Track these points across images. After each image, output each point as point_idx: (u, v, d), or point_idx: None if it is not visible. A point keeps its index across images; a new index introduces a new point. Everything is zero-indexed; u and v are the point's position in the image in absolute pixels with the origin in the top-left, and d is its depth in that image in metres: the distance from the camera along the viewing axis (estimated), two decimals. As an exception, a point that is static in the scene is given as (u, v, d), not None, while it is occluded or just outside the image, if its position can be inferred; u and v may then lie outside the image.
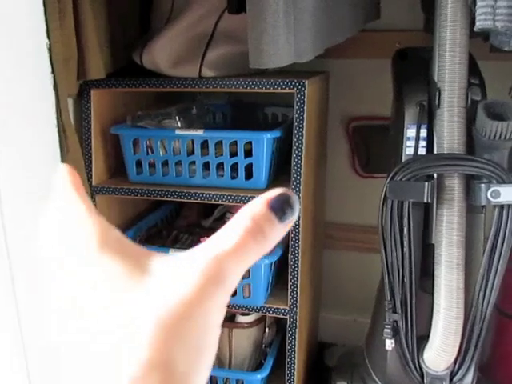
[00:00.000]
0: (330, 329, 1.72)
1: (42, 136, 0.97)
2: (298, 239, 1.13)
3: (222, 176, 1.16)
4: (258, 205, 0.27)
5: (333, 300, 1.73)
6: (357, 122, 1.57)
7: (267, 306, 1.20)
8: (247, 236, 0.26)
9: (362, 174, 1.60)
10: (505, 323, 1.34)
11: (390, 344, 1.04)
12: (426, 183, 0.92)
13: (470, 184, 0.95)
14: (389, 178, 0.96)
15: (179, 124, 1.19)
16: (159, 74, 1.17)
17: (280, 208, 0.27)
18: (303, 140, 1.07)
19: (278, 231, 0.27)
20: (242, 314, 1.27)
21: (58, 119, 1.02)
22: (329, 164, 1.59)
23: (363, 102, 1.54)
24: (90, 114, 1.18)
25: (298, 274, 1.15)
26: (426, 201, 0.93)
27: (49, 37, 0.99)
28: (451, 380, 1.05)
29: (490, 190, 0.90)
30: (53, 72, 1.00)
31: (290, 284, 1.17)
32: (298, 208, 0.28)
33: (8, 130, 0.85)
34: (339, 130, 1.59)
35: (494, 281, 0.98)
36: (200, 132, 1.14)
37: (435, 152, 0.98)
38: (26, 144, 0.91)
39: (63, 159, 1.00)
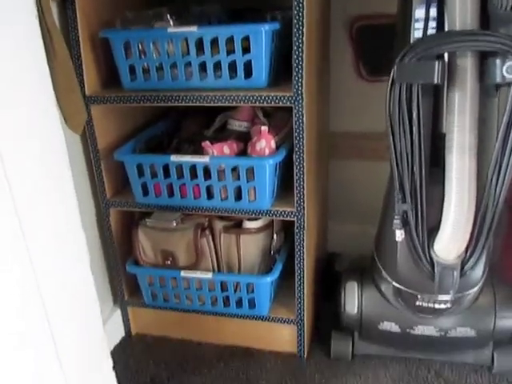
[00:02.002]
0: (340, 240, 1.72)
1: (24, 39, 0.91)
2: (302, 138, 1.09)
3: (220, 76, 1.10)
4: None
5: (341, 210, 1.72)
6: (361, 22, 1.48)
7: (274, 209, 1.19)
8: None
9: (366, 78, 1.53)
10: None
11: (399, 235, 1.03)
12: (436, 62, 0.87)
13: (484, 62, 0.89)
14: (397, 61, 0.91)
15: (171, 23, 1.12)
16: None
17: None
18: (303, 29, 1.01)
19: None
20: (249, 220, 1.25)
21: (40, 20, 0.96)
22: (332, 69, 1.52)
23: (367, -1, 1.45)
24: (76, 17, 1.11)
25: (303, 174, 1.12)
26: (436, 81, 0.88)
27: None
28: (462, 269, 1.05)
29: (506, 65, 0.84)
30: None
31: (295, 184, 1.14)
32: None
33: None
34: (342, 32, 1.50)
35: (507, 166, 0.94)
36: (194, 29, 1.07)
37: (446, 30, 0.91)
38: (7, 47, 0.85)
39: (50, 64, 0.95)
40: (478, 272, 1.11)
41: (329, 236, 1.74)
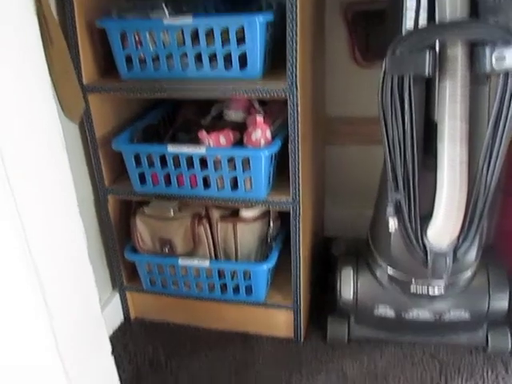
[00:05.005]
0: (336, 224, 1.74)
1: (20, 28, 0.92)
2: (297, 129, 1.11)
3: (216, 67, 1.11)
4: None
5: (338, 195, 1.74)
6: (356, 7, 1.49)
7: (269, 198, 1.21)
8: None
9: (361, 63, 1.54)
10: (510, 202, 1.34)
11: (393, 224, 1.05)
12: (427, 53, 0.88)
13: (474, 51, 0.90)
14: (389, 53, 0.92)
15: (167, 13, 1.12)
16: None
17: None
18: (297, 19, 1.02)
19: None
20: (246, 209, 1.27)
21: (37, 9, 0.96)
22: (327, 54, 1.53)
23: (362, -17, 1.45)
24: (73, 5, 1.12)
25: (298, 164, 1.14)
26: (427, 73, 0.89)
27: None
28: (455, 255, 1.07)
29: (495, 54, 0.85)
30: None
31: (291, 174, 1.16)
32: None
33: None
34: (337, 17, 1.51)
35: (498, 153, 0.96)
36: (189, 20, 1.08)
37: (437, 21, 0.92)
38: (3, 36, 0.86)
39: (47, 51, 0.95)
40: (471, 256, 1.13)
41: (325, 220, 1.76)
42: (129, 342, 1.43)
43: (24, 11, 0.93)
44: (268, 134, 1.16)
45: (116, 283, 1.47)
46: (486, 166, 0.97)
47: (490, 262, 1.26)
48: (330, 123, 1.63)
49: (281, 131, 1.21)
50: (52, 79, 1.00)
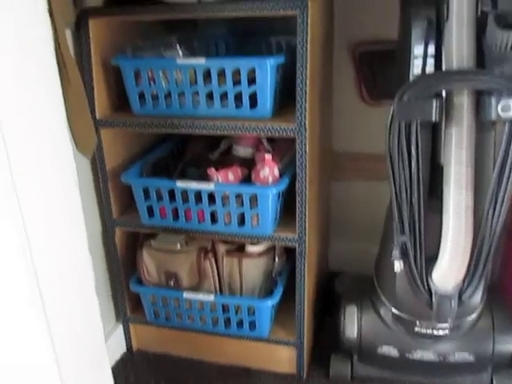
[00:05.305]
0: (341, 258, 1.75)
1: (41, 69, 0.95)
2: (305, 168, 1.13)
3: (226, 106, 1.14)
4: None
5: (344, 230, 1.75)
6: (364, 47, 1.52)
7: (276, 234, 1.22)
8: None
9: (368, 101, 1.57)
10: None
11: (398, 266, 1.05)
12: (434, 100, 0.90)
13: (480, 100, 0.92)
14: (396, 99, 0.94)
15: (180, 53, 1.16)
16: (158, 0, 1.13)
17: None
18: (307, 64, 1.04)
19: None
20: (252, 244, 1.28)
21: (56, 51, 1.00)
22: (335, 93, 1.56)
23: (370, 25, 1.48)
24: (90, 44, 1.15)
25: (305, 202, 1.15)
26: (434, 119, 0.91)
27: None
28: (460, 298, 1.07)
29: (501, 104, 0.87)
30: (48, 3, 0.97)
31: (297, 212, 1.17)
32: None
33: (5, 65, 0.83)
34: (345, 57, 1.54)
35: (503, 199, 0.97)
36: (202, 61, 1.11)
37: (444, 69, 0.95)
38: (26, 77, 0.89)
39: (65, 92, 0.98)
40: (476, 299, 1.13)
41: (330, 254, 1.76)
42: (130, 374, 1.42)
43: (44, 52, 0.96)
44: (276, 172, 1.18)
45: (120, 314, 1.47)
46: (491, 211, 0.98)
47: (494, 304, 1.25)
48: (336, 159, 1.65)
49: (289, 168, 1.23)
50: (67, 116, 1.03)
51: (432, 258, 1.05)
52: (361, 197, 1.71)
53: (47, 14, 0.96)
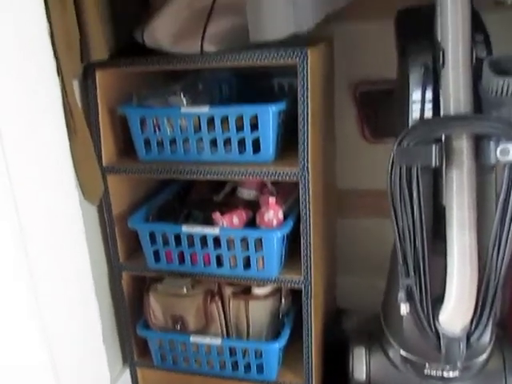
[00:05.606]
0: (349, 294, 1.73)
1: (48, 119, 0.98)
2: (309, 211, 1.14)
3: (230, 151, 1.16)
4: None
5: (351, 266, 1.74)
6: (364, 87, 1.55)
7: (281, 277, 1.22)
8: None
9: (370, 140, 1.59)
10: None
11: (404, 308, 1.05)
12: (434, 146, 0.91)
13: (479, 144, 0.93)
14: (395, 144, 0.96)
15: (184, 101, 1.18)
16: (162, 51, 1.17)
17: None
18: (308, 110, 1.07)
19: None
20: (258, 286, 1.28)
21: (63, 101, 1.03)
22: (337, 131, 1.58)
23: (370, 65, 1.51)
24: (96, 94, 1.19)
25: (310, 245, 1.16)
26: (434, 165, 0.92)
27: (50, 21, 0.99)
28: (468, 340, 1.06)
29: (499, 148, 0.89)
30: (56, 56, 1.00)
31: (302, 255, 1.17)
32: None
33: (14, 116, 0.86)
34: (346, 96, 1.57)
35: (507, 240, 0.97)
36: (205, 109, 1.14)
37: (442, 113, 0.96)
38: (33, 128, 0.92)
39: (71, 141, 1.01)
40: (485, 340, 1.12)
41: (337, 291, 1.75)
42: (138, 420, 1.40)
43: (51, 103, 1.00)
44: (280, 215, 1.19)
45: (127, 358, 1.46)
46: (495, 252, 0.98)
47: (505, 344, 1.24)
48: (340, 197, 1.65)
49: (293, 209, 1.24)
50: (74, 165, 1.06)
51: (438, 300, 1.05)
52: (368, 233, 1.71)
53: (55, 66, 1.00)
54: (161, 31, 1.15)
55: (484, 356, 1.17)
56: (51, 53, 0.99)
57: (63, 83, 1.03)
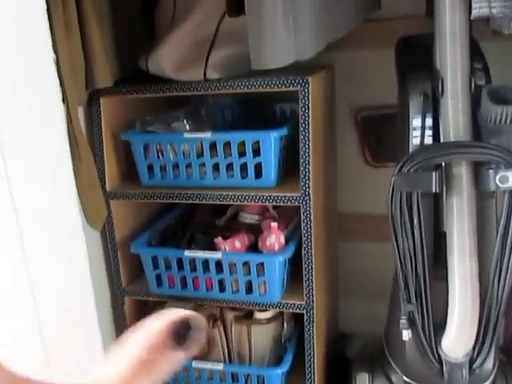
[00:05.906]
0: (351, 318, 1.73)
1: (53, 147, 1.00)
2: (310, 235, 1.14)
3: (232, 176, 1.17)
4: (157, 331, 0.26)
5: (353, 290, 1.73)
6: (365, 112, 1.57)
7: (283, 301, 1.22)
8: (139, 369, 0.26)
9: (372, 164, 1.60)
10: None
11: (406, 334, 1.05)
12: (434, 173, 0.92)
13: (478, 170, 0.94)
14: (396, 170, 0.97)
15: (187, 127, 1.20)
16: (165, 78, 1.19)
17: (179, 334, 0.27)
18: (310, 136, 1.08)
19: (176, 356, 0.27)
20: (260, 311, 1.28)
21: (68, 128, 1.05)
22: (339, 155, 1.59)
23: (370, 91, 1.53)
24: (101, 121, 1.21)
25: (312, 269, 1.16)
26: (434, 191, 0.93)
27: (55, 49, 1.01)
28: (471, 367, 1.05)
29: (499, 176, 0.90)
30: (61, 84, 1.02)
31: (304, 280, 1.18)
32: (202, 328, 0.28)
33: (19, 144, 0.88)
34: (348, 121, 1.59)
35: (508, 266, 0.97)
36: (208, 134, 1.15)
37: (442, 140, 0.98)
38: (38, 155, 0.93)
39: (76, 168, 1.03)
40: (488, 366, 1.11)
41: (340, 315, 1.74)
42: None
43: (56, 130, 1.01)
44: (282, 240, 1.19)
45: (128, 383, 1.45)
46: (497, 278, 0.98)
47: (508, 370, 1.23)
48: (343, 220, 1.66)
49: (295, 233, 1.24)
50: (78, 191, 1.07)
51: (441, 326, 1.05)
52: (369, 257, 1.71)
53: (60, 94, 1.02)
54: (165, 59, 1.17)
55: (487, 383, 1.16)
56: (56, 80, 1.01)
57: (68, 110, 1.05)
